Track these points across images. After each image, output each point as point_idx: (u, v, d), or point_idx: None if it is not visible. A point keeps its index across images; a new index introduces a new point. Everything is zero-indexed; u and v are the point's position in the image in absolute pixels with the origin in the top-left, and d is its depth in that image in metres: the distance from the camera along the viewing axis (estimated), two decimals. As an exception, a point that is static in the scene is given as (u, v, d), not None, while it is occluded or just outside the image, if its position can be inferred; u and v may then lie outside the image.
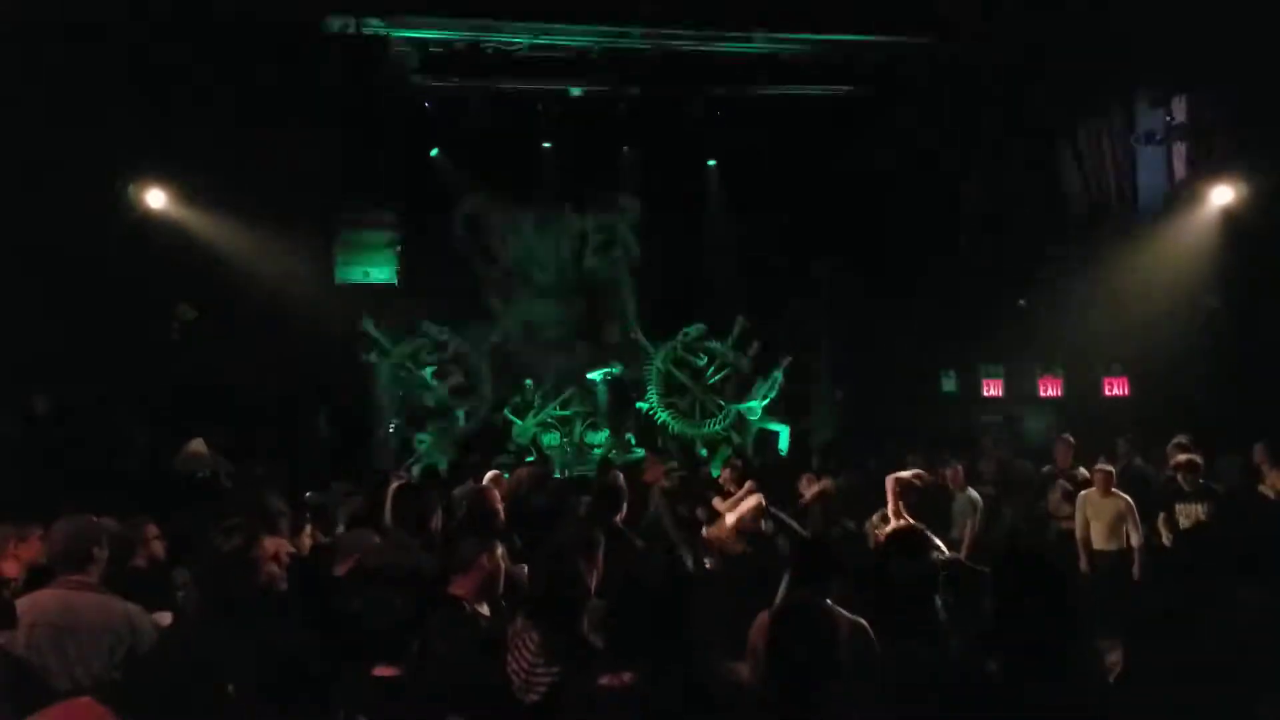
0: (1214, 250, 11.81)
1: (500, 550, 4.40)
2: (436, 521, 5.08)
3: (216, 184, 11.67)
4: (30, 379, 9.93)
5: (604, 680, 3.04)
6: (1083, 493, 8.49)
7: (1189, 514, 7.79)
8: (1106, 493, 8.26)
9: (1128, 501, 8.20)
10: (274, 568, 3.96)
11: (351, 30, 12.04)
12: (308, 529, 4.92)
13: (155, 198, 11.62)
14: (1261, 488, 8.32)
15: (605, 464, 10.23)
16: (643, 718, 2.89)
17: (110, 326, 10.61)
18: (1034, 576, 3.23)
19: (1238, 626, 2.61)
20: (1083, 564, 8.30)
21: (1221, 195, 11.52)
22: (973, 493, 9.08)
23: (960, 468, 9.32)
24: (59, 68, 9.46)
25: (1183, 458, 8.25)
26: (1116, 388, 13.82)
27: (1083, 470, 9.11)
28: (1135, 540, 8.01)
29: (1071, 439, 9.68)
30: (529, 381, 15.05)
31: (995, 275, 13.43)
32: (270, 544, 3.99)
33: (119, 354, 10.71)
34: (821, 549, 4.48)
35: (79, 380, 10.31)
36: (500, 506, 6.19)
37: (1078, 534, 8.37)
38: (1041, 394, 14.30)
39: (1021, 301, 14.04)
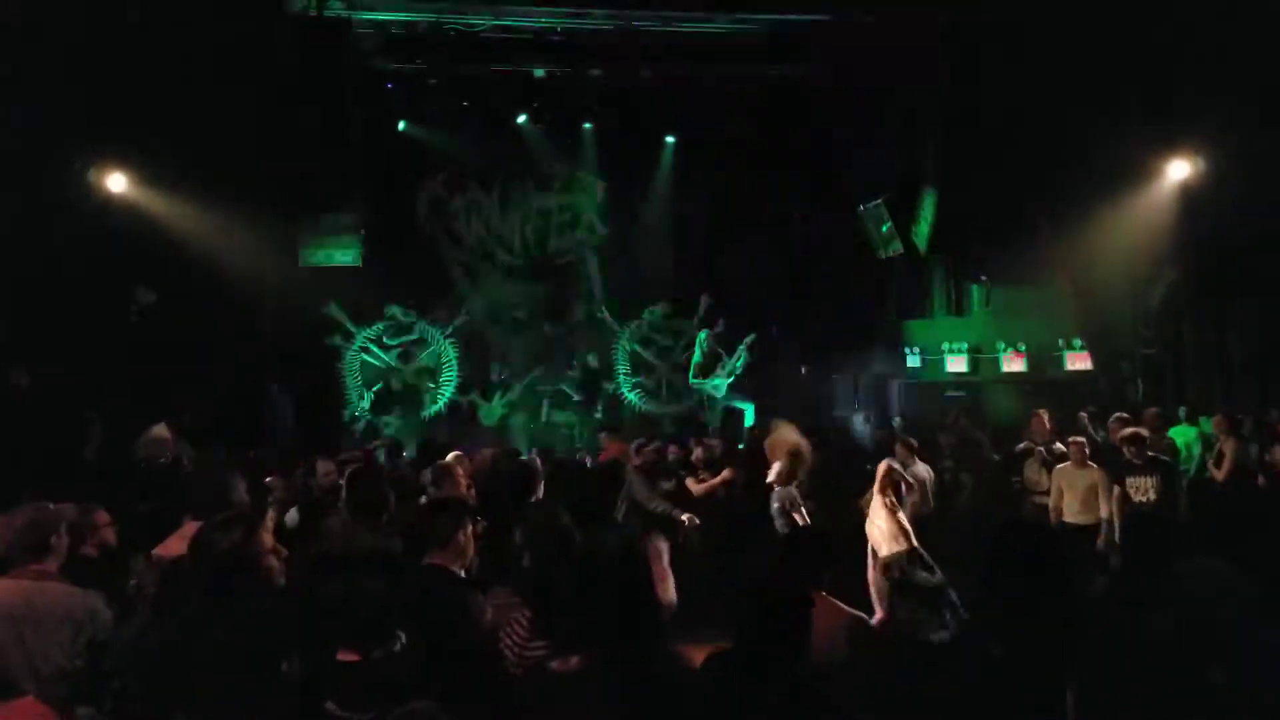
0: (1172, 224, 11.97)
1: (470, 528, 4.44)
2: (391, 504, 5.04)
3: (177, 167, 11.47)
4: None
5: (554, 665, 3.07)
6: (1059, 465, 8.57)
7: (1139, 487, 7.87)
8: (1081, 465, 8.32)
9: (1102, 473, 8.21)
10: (273, 561, 3.93)
11: (314, 12, 11.89)
12: (270, 514, 4.87)
13: (115, 181, 11.43)
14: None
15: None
16: (592, 701, 2.92)
17: (69, 311, 10.43)
18: (1033, 549, 3.26)
19: (1186, 596, 2.65)
20: None
21: (1179, 170, 11.66)
22: (919, 467, 9.16)
23: (907, 443, 9.39)
24: (14, 48, 9.23)
25: (1127, 431, 8.32)
26: (1078, 362, 13.99)
27: (1059, 445, 9.21)
28: (1104, 512, 8.05)
29: (1046, 413, 9.75)
30: (495, 364, 15.02)
31: (958, 250, 13.54)
32: (267, 538, 3.95)
33: (77, 338, 10.53)
34: (817, 539, 4.33)
35: (37, 365, 10.14)
36: (464, 483, 6.21)
37: (1051, 504, 8.43)
38: (1005, 369, 14.45)
39: (984, 277, 14.17)
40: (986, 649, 3.09)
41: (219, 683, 3.33)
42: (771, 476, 7.74)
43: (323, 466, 7.39)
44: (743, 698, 2.96)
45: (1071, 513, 8.27)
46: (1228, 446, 8.95)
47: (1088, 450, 8.43)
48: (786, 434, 8.15)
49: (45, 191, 10.29)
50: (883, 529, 7.19)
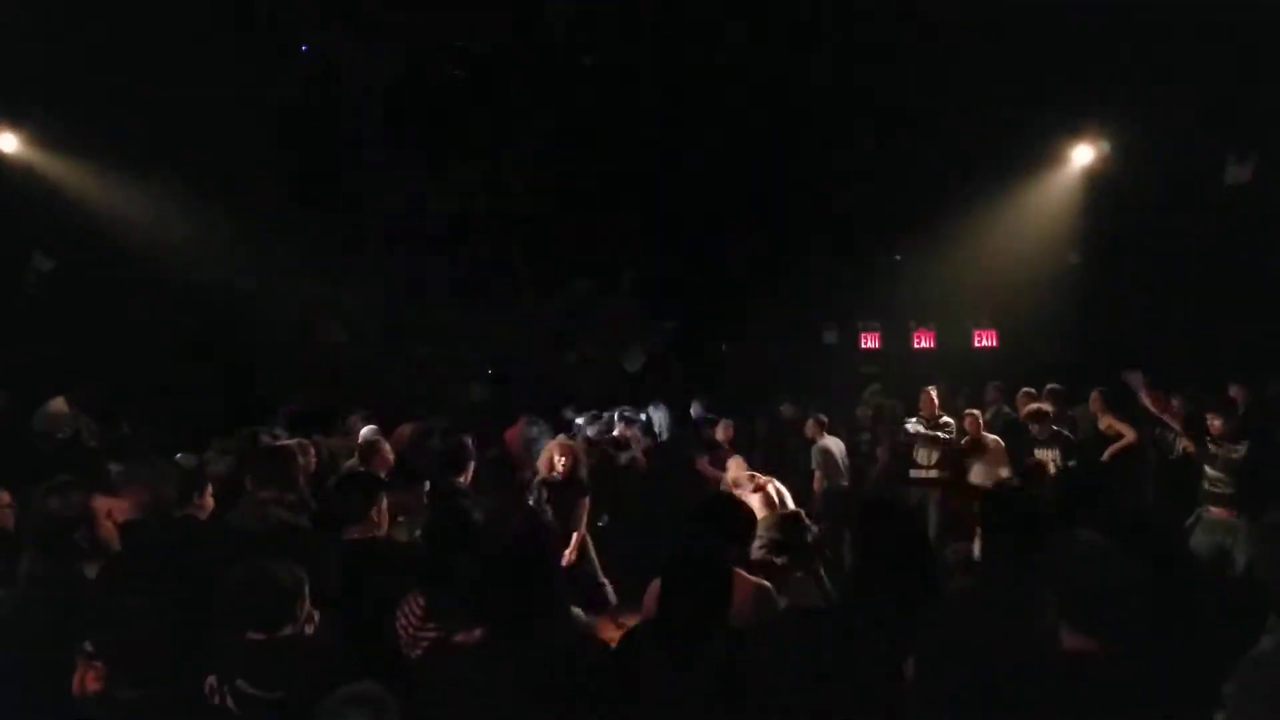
0: (1076, 208, 12.35)
1: (385, 503, 4.43)
2: (304, 480, 4.99)
3: (78, 128, 11.01)
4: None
5: (459, 637, 3.11)
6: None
7: (1042, 459, 8.22)
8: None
9: (998, 442, 8.61)
10: (110, 526, 3.86)
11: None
12: (209, 489, 4.76)
13: (6, 141, 10.92)
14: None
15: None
16: (495, 674, 2.95)
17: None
18: (888, 526, 3.39)
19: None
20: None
21: (1083, 155, 12.03)
22: (827, 441, 9.39)
23: (818, 419, 9.62)
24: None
25: (1032, 406, 8.72)
26: (985, 340, 14.42)
27: (947, 418, 9.50)
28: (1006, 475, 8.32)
29: (934, 390, 10.04)
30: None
31: (873, 232, 13.78)
32: (103, 503, 3.89)
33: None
34: (736, 509, 4.29)
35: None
36: (390, 459, 6.20)
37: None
38: (915, 346, 14.80)
39: (897, 257, 14.46)
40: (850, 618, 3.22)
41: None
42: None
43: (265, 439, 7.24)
44: (664, 671, 3.01)
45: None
46: (1105, 422, 9.26)
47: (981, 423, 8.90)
48: None
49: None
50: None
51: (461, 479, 5.75)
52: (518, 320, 15.48)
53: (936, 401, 9.79)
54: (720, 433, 9.33)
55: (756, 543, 4.23)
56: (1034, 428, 8.47)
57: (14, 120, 10.90)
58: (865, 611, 3.22)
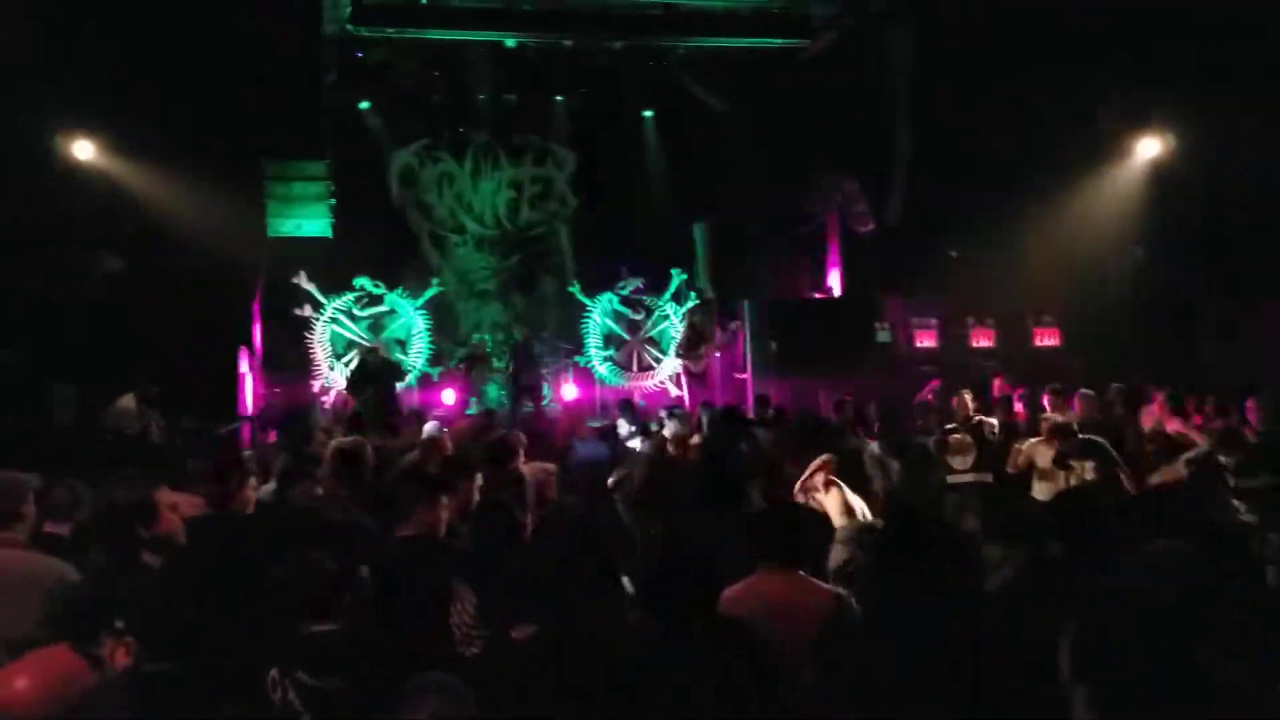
0: (1141, 202, 12.09)
1: (444, 501, 4.46)
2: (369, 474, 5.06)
3: (146, 135, 11.32)
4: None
5: (514, 633, 3.12)
6: (1029, 441, 8.35)
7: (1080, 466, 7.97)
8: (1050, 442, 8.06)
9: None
10: (174, 518, 3.94)
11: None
12: (252, 482, 4.85)
13: (82, 149, 11.27)
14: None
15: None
16: (546, 670, 2.96)
17: (35, 280, 10.32)
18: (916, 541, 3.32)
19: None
20: None
21: (1149, 147, 11.76)
22: (873, 447, 9.17)
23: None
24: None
25: (1054, 422, 8.42)
26: (1047, 338, 14.14)
27: (989, 419, 9.27)
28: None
29: (969, 393, 9.72)
30: (483, 336, 14.93)
31: (928, 226, 13.60)
32: (168, 495, 3.97)
33: (43, 308, 10.41)
34: (797, 518, 4.01)
35: (3, 336, 10.03)
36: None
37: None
38: (973, 345, 14.57)
39: (953, 252, 14.25)
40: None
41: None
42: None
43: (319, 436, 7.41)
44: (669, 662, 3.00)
45: (1042, 493, 8.08)
46: (1170, 426, 8.96)
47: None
48: None
49: (10, 159, 10.14)
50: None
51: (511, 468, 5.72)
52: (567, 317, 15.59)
53: (971, 405, 9.58)
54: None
55: (838, 551, 4.15)
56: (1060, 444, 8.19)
57: (90, 129, 11.22)
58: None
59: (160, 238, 11.52)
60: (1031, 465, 8.17)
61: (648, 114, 15.56)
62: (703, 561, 3.15)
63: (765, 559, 3.64)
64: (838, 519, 5.11)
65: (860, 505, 5.43)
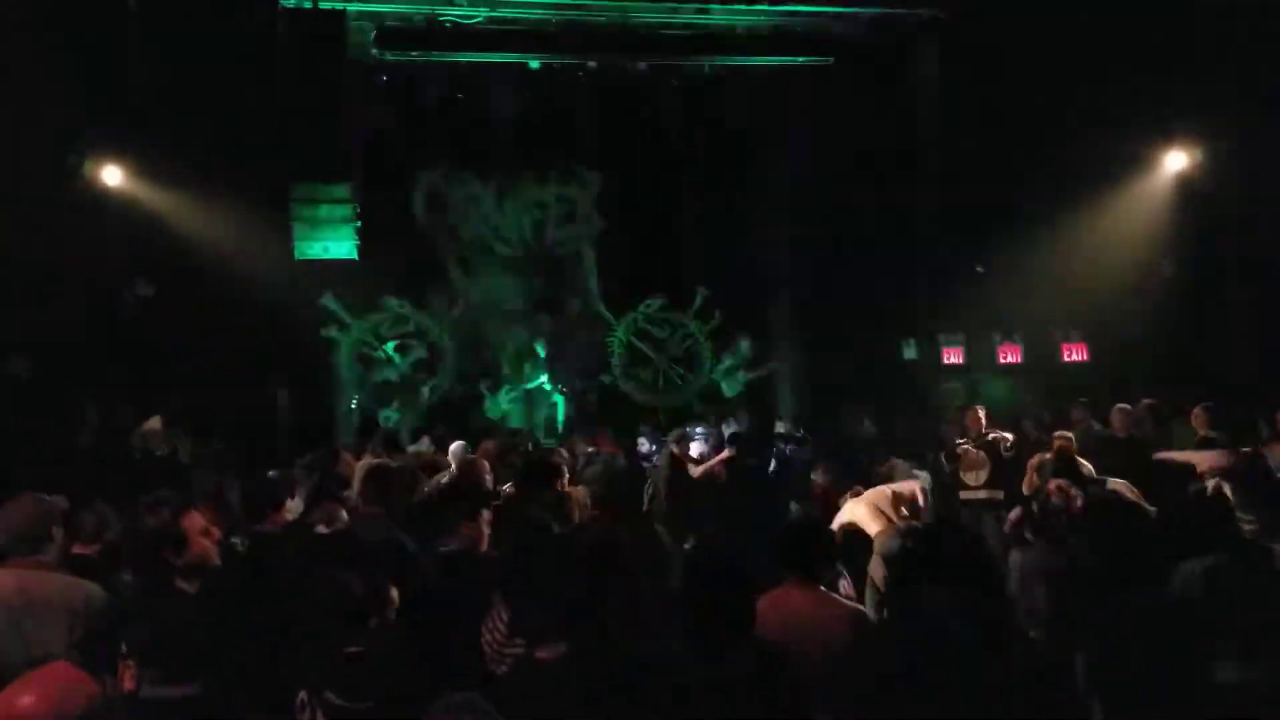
0: (1169, 215, 11.96)
1: (485, 516, 4.47)
2: (399, 494, 5.07)
3: (173, 160, 11.48)
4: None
5: (541, 653, 3.09)
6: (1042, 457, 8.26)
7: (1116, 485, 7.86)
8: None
9: (1089, 468, 7.91)
10: (206, 542, 3.94)
11: (308, 4, 11.86)
12: (289, 503, 4.89)
13: (110, 174, 11.42)
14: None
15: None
16: (575, 689, 2.93)
17: (65, 304, 10.44)
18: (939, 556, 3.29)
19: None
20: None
21: (1176, 161, 11.65)
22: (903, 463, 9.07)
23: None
24: (8, 43, 9.20)
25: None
26: (1075, 353, 13.99)
27: (1004, 434, 9.15)
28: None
29: (981, 409, 9.62)
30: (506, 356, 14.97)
31: (954, 241, 13.53)
32: (199, 519, 3.98)
33: (74, 331, 10.53)
34: (816, 533, 4.13)
35: (35, 356, 10.14)
36: (488, 475, 6.25)
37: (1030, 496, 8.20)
38: (1001, 361, 14.44)
39: (980, 268, 14.16)
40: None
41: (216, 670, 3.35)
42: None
43: (346, 457, 7.46)
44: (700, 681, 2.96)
45: None
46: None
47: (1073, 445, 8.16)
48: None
49: (43, 185, 10.29)
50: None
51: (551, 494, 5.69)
52: (593, 337, 15.57)
53: (984, 420, 9.46)
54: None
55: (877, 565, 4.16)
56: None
57: (119, 154, 11.37)
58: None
59: (189, 262, 11.66)
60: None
61: (671, 130, 15.54)
62: (739, 578, 3.13)
63: (787, 574, 3.72)
64: (871, 526, 5.10)
65: (888, 506, 5.39)
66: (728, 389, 14.98)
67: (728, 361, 15.07)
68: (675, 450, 8.56)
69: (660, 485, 7.98)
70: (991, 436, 9.09)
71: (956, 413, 10.90)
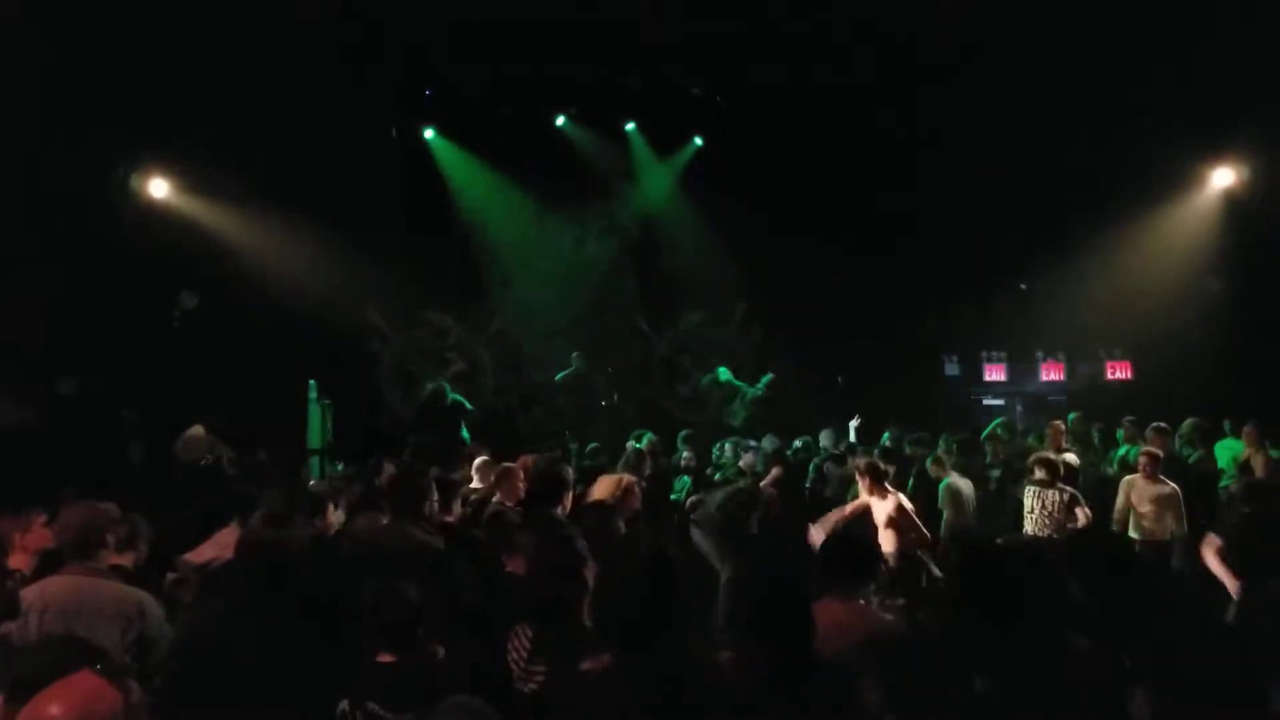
0: (1215, 232, 11.80)
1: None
2: (430, 506, 5.09)
3: (218, 173, 11.68)
4: (33, 366, 9.96)
5: (586, 664, 3.10)
6: (1127, 477, 8.20)
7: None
8: (1152, 478, 7.96)
9: (1174, 488, 7.90)
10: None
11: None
12: (331, 509, 4.96)
13: (157, 187, 11.63)
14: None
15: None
16: (623, 700, 2.93)
17: (112, 315, 10.62)
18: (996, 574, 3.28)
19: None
20: None
21: (1223, 177, 11.50)
22: (956, 479, 8.97)
23: (944, 456, 9.23)
24: (59, 54, 9.42)
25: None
26: (1119, 371, 13.81)
27: (1070, 455, 9.02)
28: (1174, 527, 7.75)
29: (1061, 423, 9.55)
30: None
31: (996, 259, 13.42)
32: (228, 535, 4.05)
33: (120, 342, 10.72)
34: (859, 546, 4.20)
35: (80, 368, 10.34)
36: (522, 487, 6.26)
37: (1115, 518, 8.05)
38: (1044, 378, 14.29)
39: (1023, 285, 14.04)
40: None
41: (259, 680, 3.39)
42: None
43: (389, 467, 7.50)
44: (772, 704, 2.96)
45: (1146, 527, 7.89)
46: (1256, 461, 8.56)
47: (1159, 462, 8.03)
48: None
49: (89, 198, 10.50)
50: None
51: (559, 509, 5.61)
52: (632, 351, 15.59)
53: (1063, 435, 9.35)
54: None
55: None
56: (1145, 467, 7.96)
57: (166, 167, 11.57)
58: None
59: (233, 274, 11.84)
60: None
61: (698, 141, 15.50)
62: (798, 591, 3.14)
63: (827, 588, 3.78)
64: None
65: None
66: (735, 416, 14.69)
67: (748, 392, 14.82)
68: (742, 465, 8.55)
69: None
70: (1068, 457, 8.87)
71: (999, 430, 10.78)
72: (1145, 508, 7.94)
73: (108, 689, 2.32)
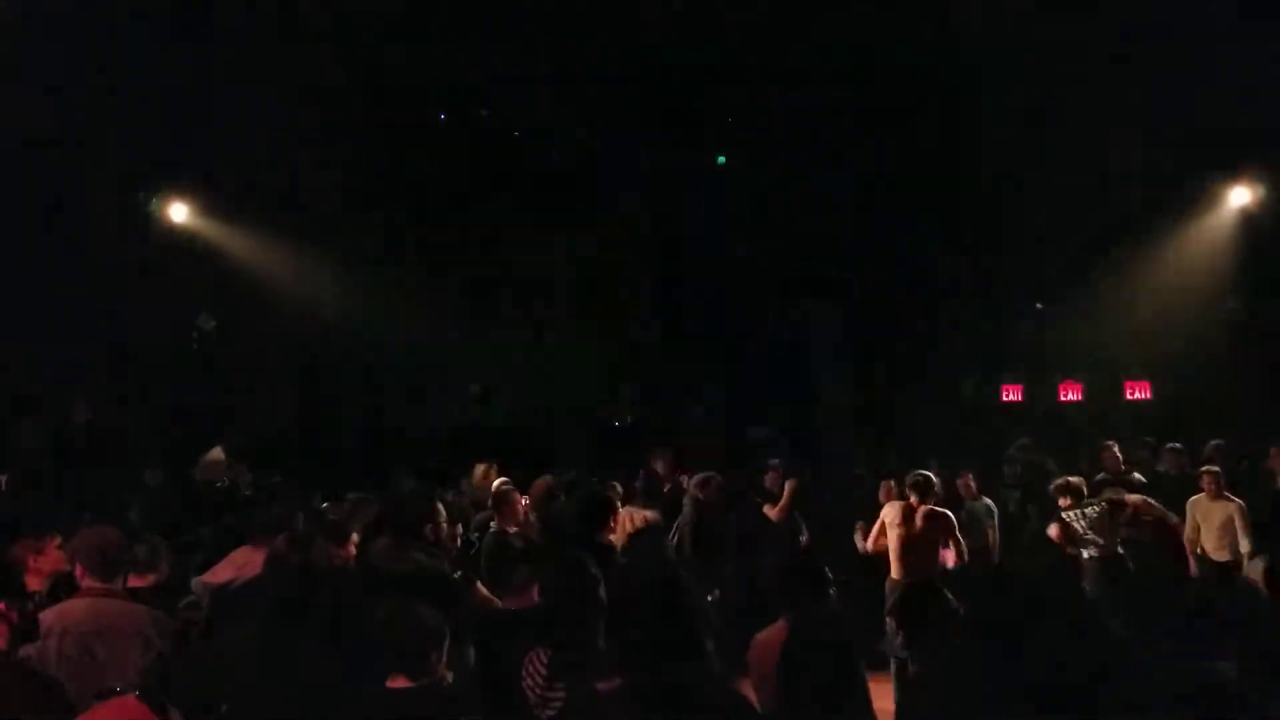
0: (1232, 251, 11.74)
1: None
2: (433, 530, 5.08)
3: (237, 197, 11.77)
4: (51, 388, 10.04)
5: (600, 686, 3.09)
6: (1193, 498, 8.09)
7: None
8: (1216, 496, 7.90)
9: (1239, 505, 7.82)
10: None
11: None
12: (354, 537, 4.96)
13: (178, 211, 11.73)
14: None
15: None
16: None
17: (130, 337, 10.71)
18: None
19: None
20: (1192, 569, 7.96)
21: (1240, 196, 11.46)
22: (987, 501, 8.92)
23: (971, 475, 9.16)
24: (80, 79, 9.54)
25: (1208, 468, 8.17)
26: (1138, 391, 13.70)
27: (1137, 475, 8.94)
28: (1244, 546, 7.63)
29: (1115, 444, 9.43)
30: None
31: (1014, 279, 13.38)
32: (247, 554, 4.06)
33: (138, 364, 10.80)
34: (812, 565, 4.26)
35: (98, 390, 10.41)
36: (522, 511, 6.20)
37: (1186, 537, 7.98)
38: (1061, 399, 14.19)
39: (1039, 305, 13.97)
40: None
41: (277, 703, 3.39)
42: None
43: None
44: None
45: (1211, 547, 7.86)
46: None
47: (1223, 482, 7.97)
48: None
49: (109, 221, 10.60)
50: None
51: (605, 534, 5.48)
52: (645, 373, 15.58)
53: (1120, 456, 9.24)
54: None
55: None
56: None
57: (186, 192, 11.68)
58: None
59: (250, 298, 11.91)
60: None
61: (720, 159, 15.47)
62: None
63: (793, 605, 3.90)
64: None
65: None
66: None
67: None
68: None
69: None
70: (1135, 477, 8.78)
71: (1020, 452, 10.69)
72: (1211, 526, 7.90)
73: (149, 717, 2.33)
